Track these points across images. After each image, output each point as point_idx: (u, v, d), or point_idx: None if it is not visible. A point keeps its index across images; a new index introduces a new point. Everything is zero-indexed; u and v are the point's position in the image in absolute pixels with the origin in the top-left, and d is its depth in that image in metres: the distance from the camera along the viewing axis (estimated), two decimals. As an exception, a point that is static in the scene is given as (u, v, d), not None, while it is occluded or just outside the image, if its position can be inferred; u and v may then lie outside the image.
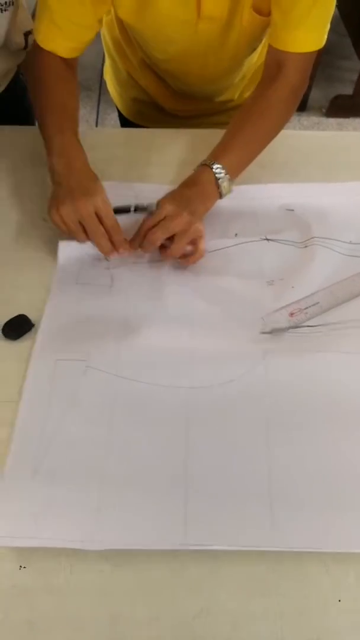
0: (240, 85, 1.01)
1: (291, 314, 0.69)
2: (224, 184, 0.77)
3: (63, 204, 0.69)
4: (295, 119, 2.39)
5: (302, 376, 0.64)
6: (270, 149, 0.92)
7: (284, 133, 0.85)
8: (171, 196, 0.75)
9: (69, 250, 0.75)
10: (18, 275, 0.75)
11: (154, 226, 0.72)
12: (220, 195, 0.78)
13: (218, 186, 0.77)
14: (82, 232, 0.71)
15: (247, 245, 0.76)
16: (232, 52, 0.88)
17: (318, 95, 2.39)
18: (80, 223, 0.70)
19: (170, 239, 0.72)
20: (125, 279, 0.74)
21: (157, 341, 0.67)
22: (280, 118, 0.83)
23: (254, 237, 0.77)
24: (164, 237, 0.71)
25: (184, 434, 0.59)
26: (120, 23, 0.94)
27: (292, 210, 0.82)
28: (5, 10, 0.83)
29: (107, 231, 0.71)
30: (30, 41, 0.91)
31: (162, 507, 0.54)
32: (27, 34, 0.89)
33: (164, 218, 0.71)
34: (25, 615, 0.50)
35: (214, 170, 0.76)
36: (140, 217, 0.76)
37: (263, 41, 0.93)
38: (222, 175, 0.76)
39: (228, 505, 0.55)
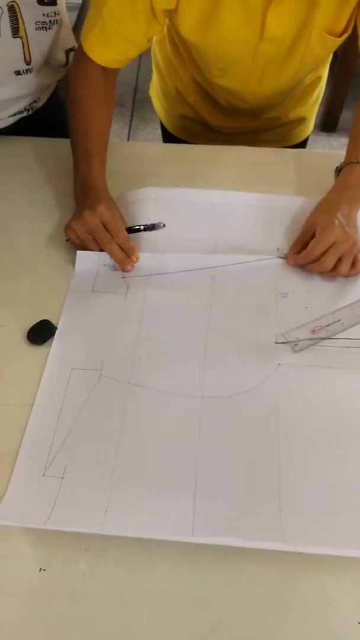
0: (289, 104, 1.01)
1: (312, 331, 0.69)
2: None
3: (74, 220, 0.77)
4: (325, 139, 2.39)
5: (316, 390, 0.64)
6: (301, 168, 0.93)
7: (314, 152, 0.86)
8: (329, 212, 0.75)
9: (86, 259, 0.77)
10: (43, 281, 0.77)
11: (321, 248, 0.73)
12: None
13: None
14: (92, 242, 0.76)
15: (261, 262, 0.76)
16: (293, 72, 0.87)
17: (349, 117, 2.40)
18: (92, 234, 0.75)
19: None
20: (140, 288, 0.75)
21: (170, 350, 0.68)
22: None
23: (269, 254, 0.78)
24: (335, 262, 0.73)
25: (196, 441, 0.60)
26: (173, 40, 0.95)
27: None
28: (50, 28, 0.86)
29: (113, 237, 0.74)
30: (71, 58, 0.94)
31: (171, 505, 0.55)
32: (69, 51, 0.92)
33: (334, 244, 0.72)
34: (40, 618, 0.50)
35: None
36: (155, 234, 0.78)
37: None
38: None
39: (237, 506, 0.55)
